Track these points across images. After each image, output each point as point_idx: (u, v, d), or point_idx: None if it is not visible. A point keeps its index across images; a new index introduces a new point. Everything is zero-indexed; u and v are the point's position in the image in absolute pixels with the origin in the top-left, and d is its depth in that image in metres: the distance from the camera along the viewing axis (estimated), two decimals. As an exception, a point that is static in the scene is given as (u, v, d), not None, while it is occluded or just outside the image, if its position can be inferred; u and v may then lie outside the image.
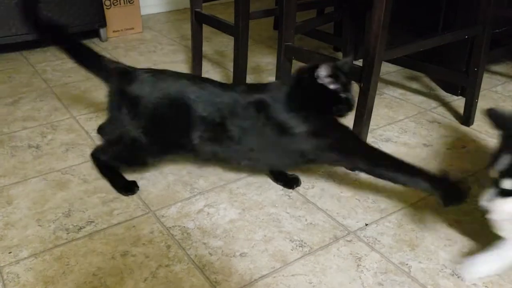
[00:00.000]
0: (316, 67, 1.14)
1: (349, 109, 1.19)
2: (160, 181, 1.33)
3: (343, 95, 1.16)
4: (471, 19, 1.57)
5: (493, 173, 0.89)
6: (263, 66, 2.16)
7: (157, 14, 3.01)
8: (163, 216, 1.19)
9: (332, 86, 1.15)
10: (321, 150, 1.15)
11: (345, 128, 1.19)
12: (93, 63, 1.33)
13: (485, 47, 1.49)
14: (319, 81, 1.14)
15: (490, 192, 0.90)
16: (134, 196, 1.27)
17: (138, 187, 1.28)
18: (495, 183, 0.88)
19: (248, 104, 1.17)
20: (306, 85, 1.16)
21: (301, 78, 1.17)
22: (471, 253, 1.07)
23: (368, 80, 1.28)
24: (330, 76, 1.14)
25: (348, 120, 1.55)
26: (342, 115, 1.20)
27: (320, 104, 1.17)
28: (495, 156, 0.89)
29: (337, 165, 1.33)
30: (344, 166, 1.34)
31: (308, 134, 1.15)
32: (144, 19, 2.81)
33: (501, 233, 0.94)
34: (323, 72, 1.13)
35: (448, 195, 1.04)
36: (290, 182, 1.31)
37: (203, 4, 1.83)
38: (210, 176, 1.35)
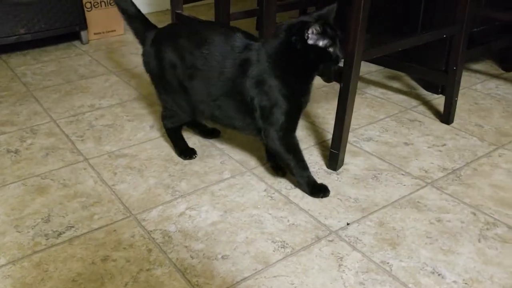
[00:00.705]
0: (304, 26, 1.12)
1: (337, 62, 1.19)
2: (141, 184, 1.32)
3: (331, 49, 1.16)
4: (450, 18, 1.59)
5: None
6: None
7: (139, 16, 2.98)
8: (144, 219, 1.18)
9: (321, 43, 1.15)
10: (266, 111, 1.20)
11: (299, 109, 1.24)
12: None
13: (463, 46, 1.51)
14: (310, 41, 1.14)
15: None
16: (115, 200, 1.26)
17: (196, 154, 1.44)
18: None
19: (236, 59, 1.20)
20: (296, 46, 1.15)
21: (289, 40, 1.16)
22: (451, 251, 1.09)
23: (348, 80, 1.28)
24: (319, 33, 1.13)
25: (327, 120, 1.56)
26: (330, 68, 1.21)
27: (309, 63, 1.18)
28: None
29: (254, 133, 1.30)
30: (258, 137, 1.30)
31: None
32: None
33: None
34: (313, 32, 1.12)
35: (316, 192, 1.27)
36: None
37: (185, 5, 1.83)
38: (192, 179, 1.35)
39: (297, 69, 1.19)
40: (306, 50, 1.15)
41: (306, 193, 1.28)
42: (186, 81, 1.27)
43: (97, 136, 1.57)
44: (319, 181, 1.32)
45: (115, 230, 1.15)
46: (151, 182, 1.34)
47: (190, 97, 1.30)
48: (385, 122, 1.67)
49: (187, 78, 1.27)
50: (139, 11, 1.40)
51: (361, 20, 1.20)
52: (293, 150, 1.25)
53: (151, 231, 1.14)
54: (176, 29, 1.34)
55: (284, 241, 1.12)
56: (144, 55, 1.36)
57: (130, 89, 1.93)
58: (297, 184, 1.31)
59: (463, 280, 1.01)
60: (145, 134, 1.59)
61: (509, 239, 1.12)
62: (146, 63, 1.36)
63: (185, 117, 1.39)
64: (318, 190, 1.28)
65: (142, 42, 1.37)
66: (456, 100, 1.62)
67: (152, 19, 1.43)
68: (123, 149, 1.50)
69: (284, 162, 1.28)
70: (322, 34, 1.14)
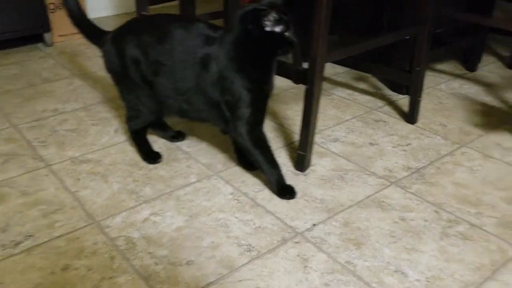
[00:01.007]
0: (260, 14, 1.13)
1: (293, 46, 1.20)
2: (104, 190, 1.30)
3: (287, 34, 1.17)
4: (414, 19, 1.61)
5: None
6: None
7: (105, 18, 2.93)
8: (107, 226, 1.16)
9: (278, 29, 1.15)
10: (232, 105, 1.21)
11: (264, 99, 1.25)
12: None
13: (426, 46, 1.53)
14: (267, 28, 1.15)
15: None
16: (78, 207, 1.23)
17: (161, 158, 1.42)
18: None
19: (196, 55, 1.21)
20: (253, 35, 1.16)
21: (245, 29, 1.16)
22: (414, 249, 1.10)
23: (312, 82, 1.29)
24: (276, 19, 1.14)
25: (296, 122, 1.56)
26: (287, 54, 1.22)
27: (267, 50, 1.19)
28: None
29: (222, 125, 1.30)
30: (226, 128, 1.30)
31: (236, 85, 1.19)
32: (92, 23, 2.74)
33: None
34: (271, 19, 1.13)
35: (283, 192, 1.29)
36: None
37: (152, 7, 1.80)
38: (157, 183, 1.33)
39: (256, 58, 1.20)
40: (263, 37, 1.16)
41: (274, 192, 1.29)
42: (151, 76, 1.26)
43: (60, 141, 1.53)
44: (287, 183, 1.32)
45: (77, 238, 1.12)
46: (115, 187, 1.31)
47: (156, 92, 1.29)
48: (351, 123, 1.68)
49: (152, 73, 1.26)
50: (87, 16, 1.42)
51: (323, 23, 1.21)
52: (261, 145, 1.26)
53: (114, 238, 1.12)
54: (136, 24, 1.32)
55: (250, 245, 1.11)
56: (104, 55, 1.34)
57: (95, 93, 1.89)
58: (267, 182, 1.31)
59: (426, 278, 1.02)
60: (109, 139, 1.56)
61: (470, 236, 1.14)
62: (107, 63, 1.34)
63: (150, 116, 1.37)
64: (285, 192, 1.28)
65: (100, 43, 1.35)
66: (420, 100, 1.64)
67: (118, 22, 1.40)
68: (86, 154, 1.47)
69: (252, 158, 1.27)
70: (278, 20, 1.15)
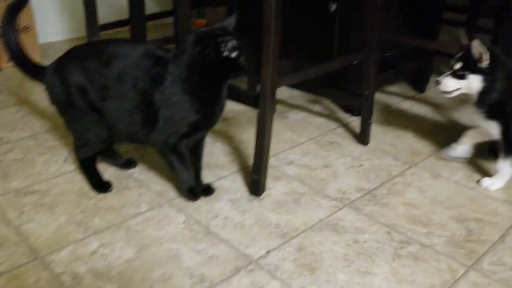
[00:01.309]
0: (218, 39, 1.15)
1: (243, 71, 1.24)
2: (50, 222, 1.24)
3: (241, 59, 1.19)
4: (362, 44, 1.65)
5: (452, 61, 1.36)
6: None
7: (57, 43, 2.88)
8: (52, 261, 1.11)
9: (233, 55, 1.18)
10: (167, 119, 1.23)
11: (211, 119, 1.28)
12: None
13: (374, 70, 1.57)
14: (225, 53, 1.17)
15: (445, 74, 1.38)
16: (20, 242, 1.17)
17: (112, 187, 1.38)
18: (451, 67, 1.36)
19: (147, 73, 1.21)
20: (208, 58, 1.17)
21: (201, 52, 1.17)
22: (367, 272, 1.10)
23: (264, 106, 1.29)
24: (234, 45, 1.16)
25: (251, 145, 1.55)
26: (237, 77, 1.25)
27: (220, 73, 1.21)
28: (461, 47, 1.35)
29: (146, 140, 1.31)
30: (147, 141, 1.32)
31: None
32: (44, 48, 2.67)
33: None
34: (229, 45, 1.16)
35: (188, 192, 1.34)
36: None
37: (106, 32, 1.78)
38: (107, 214, 1.29)
39: (208, 81, 1.22)
40: (218, 61, 1.18)
41: (181, 192, 1.35)
42: (98, 102, 1.24)
43: (4, 173, 1.47)
44: (240, 208, 1.31)
45: (18, 276, 1.06)
46: (62, 219, 1.26)
47: (105, 118, 1.27)
48: (306, 145, 1.70)
49: (100, 99, 1.24)
50: (25, 52, 1.35)
51: (272, 50, 1.22)
52: (179, 152, 1.29)
53: (59, 273, 1.07)
54: (79, 51, 1.30)
55: (202, 275, 1.08)
56: (47, 87, 1.30)
57: (44, 120, 1.83)
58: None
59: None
60: (58, 168, 1.51)
61: (421, 256, 1.16)
62: (51, 94, 1.30)
63: (99, 144, 1.34)
64: (192, 192, 1.34)
65: (41, 76, 1.31)
66: (371, 122, 1.68)
67: (70, 46, 1.35)
68: (33, 185, 1.41)
69: (168, 162, 1.31)
70: (235, 47, 1.17)
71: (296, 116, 1.94)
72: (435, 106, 2.04)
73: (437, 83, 1.39)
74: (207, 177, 1.41)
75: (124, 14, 1.83)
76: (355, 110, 1.92)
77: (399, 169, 1.54)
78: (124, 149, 1.56)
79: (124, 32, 2.81)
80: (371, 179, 1.48)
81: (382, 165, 1.56)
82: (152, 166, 1.52)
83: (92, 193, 1.38)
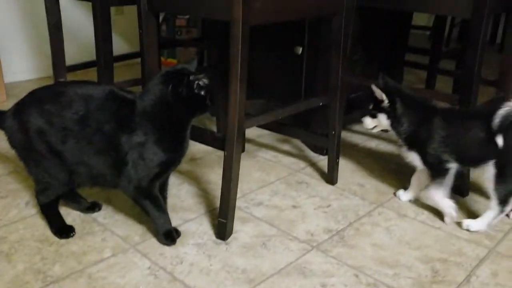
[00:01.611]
0: (188, 78, 1.18)
1: (211, 108, 1.28)
2: (7, 271, 1.19)
3: (208, 97, 1.23)
4: (328, 87, 1.69)
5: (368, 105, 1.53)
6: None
7: (24, 82, 2.84)
8: (7, 314, 1.06)
9: (203, 93, 1.22)
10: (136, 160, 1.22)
11: (179, 158, 1.29)
12: None
13: (339, 112, 1.60)
14: (196, 91, 1.20)
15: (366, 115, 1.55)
16: (-26, 293, 1.11)
17: (74, 232, 1.34)
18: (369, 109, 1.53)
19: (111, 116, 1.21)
20: (179, 97, 1.20)
21: (173, 92, 1.19)
22: (334, 317, 1.09)
23: (230, 148, 1.29)
24: (204, 83, 1.21)
25: (219, 186, 1.54)
26: (201, 115, 1.29)
27: (188, 112, 1.24)
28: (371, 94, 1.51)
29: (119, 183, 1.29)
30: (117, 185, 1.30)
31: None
32: (9, 87, 2.63)
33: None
34: (202, 83, 1.20)
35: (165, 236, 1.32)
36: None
37: (77, 72, 1.76)
38: (68, 261, 1.24)
39: (175, 120, 1.24)
40: (189, 99, 1.21)
41: (158, 237, 1.33)
42: (59, 145, 1.22)
43: (-39, 218, 1.41)
44: (206, 253, 1.29)
45: (-30, 331, 1.00)
46: (20, 268, 1.21)
47: (65, 161, 1.25)
48: (275, 186, 1.70)
49: (60, 142, 1.22)
50: None
51: (238, 92, 1.23)
52: (152, 196, 1.28)
53: (14, 327, 1.02)
54: (39, 95, 1.27)
55: (166, 324, 1.05)
56: (7, 132, 1.27)
57: (5, 162, 1.78)
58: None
59: None
60: (18, 212, 1.46)
61: (389, 299, 1.15)
62: (11, 138, 1.27)
63: (60, 188, 1.31)
64: (169, 235, 1.32)
65: (0, 122, 1.28)
66: (338, 162, 1.69)
67: (38, 85, 1.33)
68: (-10, 231, 1.35)
69: (142, 208, 1.29)
70: (207, 84, 1.21)
71: (265, 155, 1.94)
72: (398, 144, 2.08)
73: (363, 121, 1.56)
74: (172, 220, 1.38)
75: (93, 54, 1.83)
76: (322, 149, 1.94)
77: (366, 209, 1.55)
78: (89, 192, 1.52)
79: (92, 72, 2.81)
80: (339, 219, 1.49)
81: (349, 205, 1.57)
82: (117, 209, 1.49)
83: (53, 239, 1.33)
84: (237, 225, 1.42)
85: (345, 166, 1.84)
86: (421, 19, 4.06)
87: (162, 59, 3.15)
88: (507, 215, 1.49)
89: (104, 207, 1.49)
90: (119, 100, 1.24)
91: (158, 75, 1.24)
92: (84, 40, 2.97)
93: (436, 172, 1.44)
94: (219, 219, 1.36)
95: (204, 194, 1.61)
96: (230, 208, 1.35)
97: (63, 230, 1.35)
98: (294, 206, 1.56)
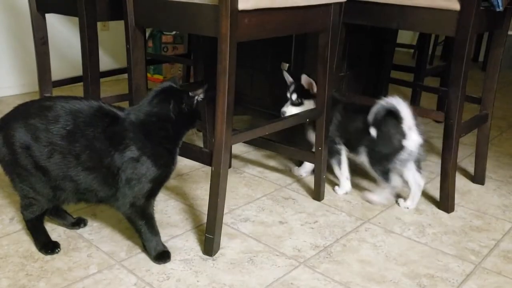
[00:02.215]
0: (187, 94, 1.25)
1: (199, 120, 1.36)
2: (-10, 289, 1.17)
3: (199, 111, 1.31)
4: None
5: (288, 92, 1.76)
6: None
7: (10, 97, 2.82)
8: (-11, 333, 1.03)
9: (197, 107, 1.29)
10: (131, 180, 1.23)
11: (169, 173, 1.30)
12: None
13: (326, 127, 1.62)
14: (196, 106, 1.27)
15: (285, 105, 1.76)
16: (-46, 312, 1.08)
17: (59, 248, 1.33)
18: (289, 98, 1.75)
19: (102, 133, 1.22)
20: (180, 112, 1.25)
21: (179, 107, 1.24)
22: (322, 333, 1.08)
23: (218, 164, 1.29)
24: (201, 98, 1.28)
25: (206, 202, 1.54)
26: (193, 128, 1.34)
27: (185, 125, 1.30)
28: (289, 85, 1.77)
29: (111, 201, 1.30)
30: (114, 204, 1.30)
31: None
32: (-5, 102, 2.62)
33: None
34: (200, 98, 1.28)
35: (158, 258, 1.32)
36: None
37: (63, 87, 1.75)
38: (53, 277, 1.22)
39: (171, 135, 1.27)
40: (186, 115, 1.26)
41: (150, 257, 1.31)
42: (44, 161, 1.21)
43: None
44: (193, 269, 1.28)
45: None
46: (4, 284, 1.18)
47: (51, 177, 1.23)
48: (261, 201, 1.70)
49: (46, 157, 1.21)
50: None
51: (226, 109, 1.24)
52: (146, 216, 1.28)
53: None
54: (24, 109, 1.26)
55: None
56: None
57: (-10, 177, 1.75)
58: (143, 248, 1.32)
59: None
60: (2, 228, 1.43)
61: (376, 315, 1.15)
62: None
63: (45, 203, 1.30)
64: (161, 258, 1.31)
65: None
66: (324, 178, 1.70)
67: (25, 100, 1.32)
68: (-27, 248, 1.33)
69: (135, 228, 1.29)
70: (202, 100, 1.28)
71: (252, 171, 1.95)
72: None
73: (282, 113, 1.74)
74: (160, 236, 1.37)
75: (79, 69, 1.82)
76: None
77: (353, 225, 1.55)
78: (74, 207, 1.50)
79: (78, 87, 2.80)
80: (326, 235, 1.49)
81: (336, 221, 1.58)
82: (103, 225, 1.47)
83: (38, 255, 1.31)
84: (224, 241, 1.41)
85: (331, 181, 1.85)
86: (405, 37, 4.14)
87: (148, 75, 3.15)
88: (397, 203, 1.71)
89: (90, 222, 1.48)
90: (108, 116, 1.23)
91: (154, 92, 1.26)
92: (70, 55, 2.96)
93: (330, 151, 1.71)
94: (206, 234, 1.35)
95: (191, 210, 1.61)
96: (217, 223, 1.34)
97: (47, 246, 1.33)
98: (281, 222, 1.56)
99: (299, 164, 1.94)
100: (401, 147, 1.58)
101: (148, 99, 1.25)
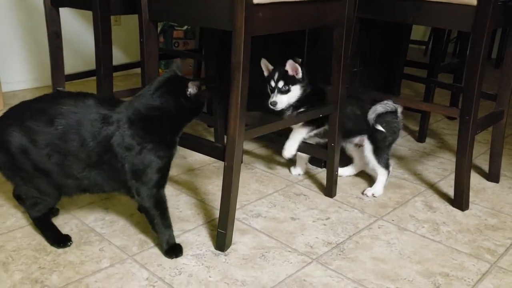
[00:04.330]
0: (192, 83, 1.24)
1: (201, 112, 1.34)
2: (4, 281, 1.17)
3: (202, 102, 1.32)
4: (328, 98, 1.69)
5: (272, 81, 1.65)
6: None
7: (22, 91, 2.83)
8: (2, 324, 1.04)
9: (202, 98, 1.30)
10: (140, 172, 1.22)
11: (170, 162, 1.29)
12: None
13: (339, 123, 1.60)
14: (195, 98, 1.25)
15: (272, 95, 1.64)
16: (-32, 303, 1.09)
17: (71, 241, 1.33)
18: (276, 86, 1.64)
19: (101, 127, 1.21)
20: (186, 102, 1.25)
21: (179, 97, 1.24)
22: (335, 330, 1.07)
23: (230, 159, 1.28)
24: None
25: (217, 197, 1.53)
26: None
27: (190, 115, 1.31)
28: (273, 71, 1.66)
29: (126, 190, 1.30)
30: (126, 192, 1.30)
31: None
32: (7, 96, 2.63)
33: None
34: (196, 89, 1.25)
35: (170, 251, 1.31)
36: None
37: (74, 81, 1.75)
38: (65, 270, 1.22)
39: (177, 125, 1.28)
40: (193, 104, 1.27)
41: (162, 251, 1.31)
42: (44, 162, 1.21)
43: (-44, 226, 1.39)
44: (205, 264, 1.27)
45: None
46: (17, 277, 1.19)
47: (52, 176, 1.23)
48: (273, 197, 1.69)
49: (45, 158, 1.21)
50: None
51: (239, 104, 1.23)
52: (160, 206, 1.28)
53: (9, 338, 1.00)
54: (19, 112, 1.25)
55: (165, 336, 1.03)
56: None
57: (2, 170, 1.76)
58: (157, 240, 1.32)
59: None
60: (16, 221, 1.44)
61: (390, 313, 1.14)
62: None
63: (50, 201, 1.31)
64: (172, 252, 1.31)
65: None
66: (336, 174, 1.69)
67: (36, 95, 1.32)
68: (-14, 240, 1.33)
69: (150, 218, 1.29)
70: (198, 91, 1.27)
71: (263, 166, 1.94)
72: (399, 158, 2.09)
73: (273, 104, 1.63)
74: (172, 231, 1.37)
75: (92, 63, 1.82)
76: (321, 161, 1.94)
77: (366, 222, 1.54)
78: (89, 199, 1.51)
79: (91, 81, 2.81)
80: (339, 232, 1.48)
81: (348, 218, 1.57)
82: (116, 219, 1.47)
83: (50, 248, 1.31)
84: (235, 237, 1.41)
85: (343, 178, 1.84)
86: (417, 33, 4.10)
87: (160, 70, 3.15)
88: (362, 193, 1.75)
89: (102, 216, 1.48)
90: (110, 111, 1.22)
91: (158, 82, 1.25)
92: (83, 49, 2.97)
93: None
94: (219, 229, 1.35)
95: (202, 204, 1.60)
96: (230, 219, 1.33)
97: (59, 240, 1.33)
98: (292, 218, 1.55)
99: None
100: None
101: (149, 89, 1.24)
